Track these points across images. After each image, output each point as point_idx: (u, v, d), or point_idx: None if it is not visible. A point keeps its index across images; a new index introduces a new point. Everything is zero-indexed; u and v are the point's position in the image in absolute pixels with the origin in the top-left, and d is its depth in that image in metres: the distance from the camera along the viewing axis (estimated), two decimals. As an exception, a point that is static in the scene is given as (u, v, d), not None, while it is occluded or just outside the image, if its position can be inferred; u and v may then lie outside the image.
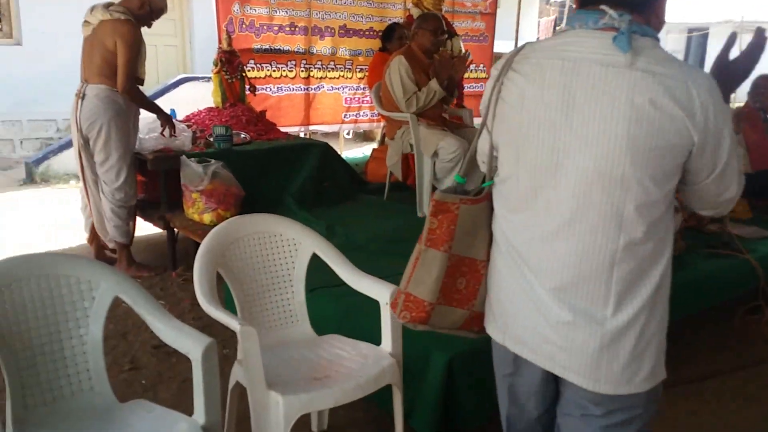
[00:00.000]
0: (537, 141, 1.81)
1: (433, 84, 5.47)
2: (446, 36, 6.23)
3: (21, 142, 10.42)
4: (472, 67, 9.53)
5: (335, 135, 9.14)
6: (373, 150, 7.86)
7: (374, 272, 3.05)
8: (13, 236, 6.34)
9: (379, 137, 8.82)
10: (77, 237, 6.09)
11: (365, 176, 7.12)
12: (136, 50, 4.79)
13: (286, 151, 5.82)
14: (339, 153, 6.69)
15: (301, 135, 8.06)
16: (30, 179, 8.97)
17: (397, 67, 5.55)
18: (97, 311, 2.52)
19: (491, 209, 2.01)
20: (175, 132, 5.30)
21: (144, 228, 5.89)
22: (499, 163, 1.94)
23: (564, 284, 1.82)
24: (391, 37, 7.32)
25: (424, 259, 2.00)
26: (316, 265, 3.12)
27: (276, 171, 5.68)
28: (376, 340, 2.91)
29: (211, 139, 5.57)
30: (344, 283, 3.05)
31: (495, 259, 2.00)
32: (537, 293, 1.87)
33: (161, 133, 5.28)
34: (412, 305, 2.03)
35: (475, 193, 2.02)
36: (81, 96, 4.86)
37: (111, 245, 5.25)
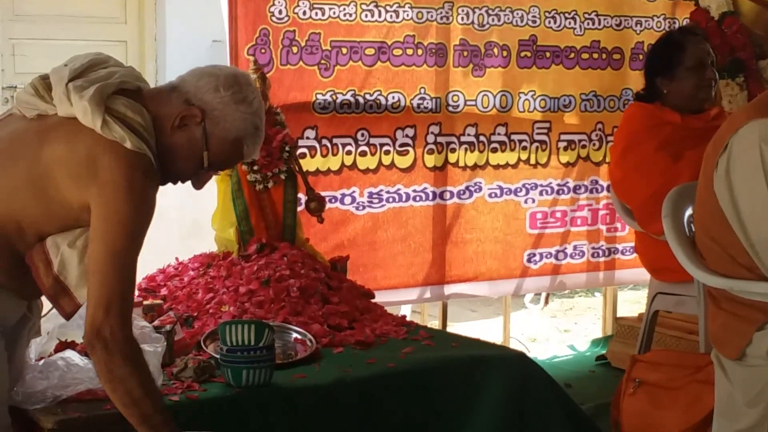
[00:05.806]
0: None
1: None
2: None
3: None
4: None
5: (493, 303, 5.35)
6: (634, 367, 3.00)
7: None
8: None
9: (642, 329, 3.62)
10: None
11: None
12: (141, 226, 2.07)
13: (415, 383, 2.66)
14: (550, 379, 2.96)
15: (421, 310, 4.58)
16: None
17: (759, 155, 2.37)
18: None
19: None
20: None
21: None
22: None
23: None
24: (671, 65, 3.64)
25: None
26: None
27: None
28: None
29: (216, 355, 2.56)
30: None
31: None
32: None
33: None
34: None
35: None
36: None
37: None
